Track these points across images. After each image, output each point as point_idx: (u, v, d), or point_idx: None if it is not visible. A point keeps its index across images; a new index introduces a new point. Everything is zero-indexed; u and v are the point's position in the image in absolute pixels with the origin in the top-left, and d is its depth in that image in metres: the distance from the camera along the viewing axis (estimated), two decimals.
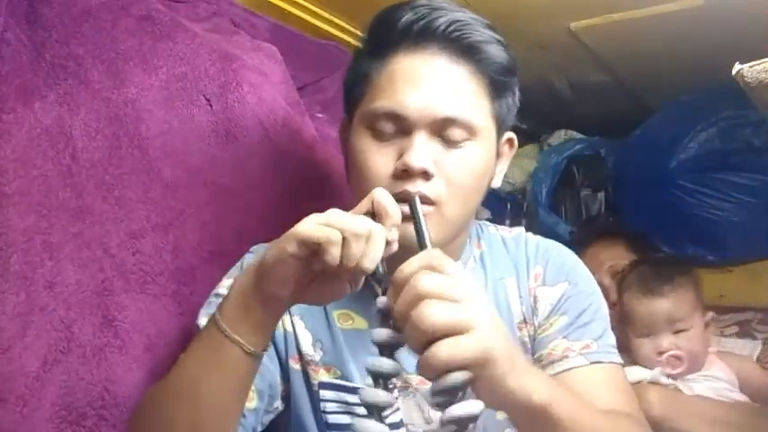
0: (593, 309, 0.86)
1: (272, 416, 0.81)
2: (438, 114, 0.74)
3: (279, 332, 0.81)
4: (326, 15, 1.29)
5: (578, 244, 1.49)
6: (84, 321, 0.79)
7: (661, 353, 1.24)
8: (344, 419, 0.80)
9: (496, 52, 0.77)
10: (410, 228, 0.67)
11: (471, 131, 0.76)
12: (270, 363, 0.79)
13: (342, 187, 1.10)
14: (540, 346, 0.84)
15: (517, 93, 0.83)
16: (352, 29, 1.35)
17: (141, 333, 0.84)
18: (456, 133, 0.75)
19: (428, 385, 0.79)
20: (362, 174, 0.76)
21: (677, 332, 1.25)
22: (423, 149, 0.73)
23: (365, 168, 0.76)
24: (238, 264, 0.84)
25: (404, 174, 0.73)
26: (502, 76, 0.78)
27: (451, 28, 0.75)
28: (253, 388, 0.76)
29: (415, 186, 0.73)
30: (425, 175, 0.73)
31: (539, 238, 0.92)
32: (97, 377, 0.79)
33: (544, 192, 1.83)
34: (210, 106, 0.95)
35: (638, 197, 1.74)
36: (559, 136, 1.97)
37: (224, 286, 0.80)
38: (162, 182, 0.89)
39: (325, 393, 0.80)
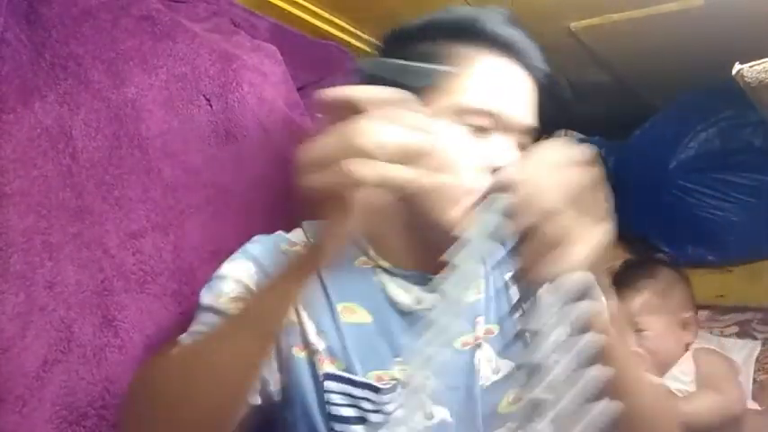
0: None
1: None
2: (527, 122, 0.79)
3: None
4: (326, 15, 1.29)
5: None
6: (85, 321, 0.79)
7: None
8: (349, 412, 0.80)
9: (544, 71, 0.83)
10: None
11: (529, 142, 0.81)
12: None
13: None
14: None
15: None
16: (352, 29, 1.35)
17: (141, 333, 0.84)
18: (526, 141, 0.80)
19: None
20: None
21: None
22: (511, 151, 0.78)
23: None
24: (240, 252, 0.82)
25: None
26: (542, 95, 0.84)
27: (527, 44, 0.80)
28: None
29: None
30: None
31: None
32: (98, 377, 0.79)
33: None
34: (210, 106, 0.96)
35: (638, 197, 1.74)
36: (559, 136, 1.96)
37: (227, 270, 0.80)
38: (162, 182, 0.89)
39: (329, 384, 0.80)
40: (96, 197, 0.82)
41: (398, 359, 0.80)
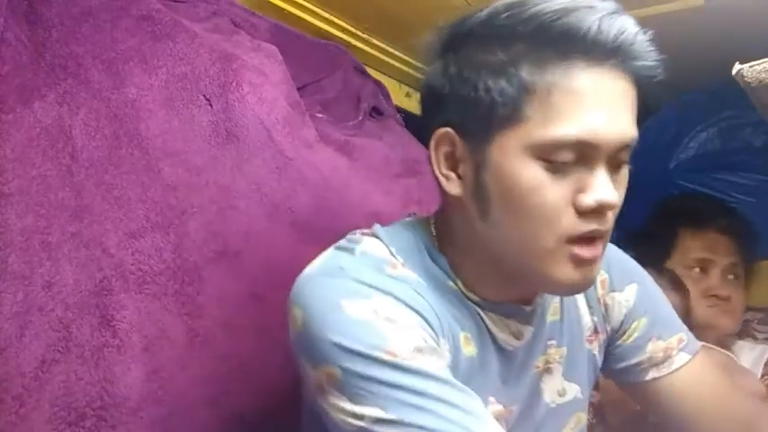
0: (665, 301, 0.88)
1: None
2: (623, 141, 0.64)
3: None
4: (326, 15, 1.29)
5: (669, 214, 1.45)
6: (83, 321, 0.79)
7: None
8: None
9: (658, 68, 0.68)
10: (582, 276, 0.65)
11: (630, 153, 0.68)
12: None
13: (341, 187, 1.09)
14: (632, 353, 0.85)
15: None
16: (352, 29, 1.35)
17: (140, 333, 0.84)
18: (624, 157, 0.67)
19: None
20: (535, 214, 0.64)
21: None
22: (609, 181, 0.64)
23: (540, 208, 0.63)
24: (348, 280, 0.66)
25: (593, 211, 0.63)
26: (651, 89, 0.69)
27: (631, 41, 0.64)
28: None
29: (605, 223, 0.65)
30: (610, 209, 0.65)
31: None
32: (96, 377, 0.79)
33: None
34: (211, 106, 0.95)
35: (638, 197, 1.73)
36: None
37: (364, 313, 0.63)
38: (162, 181, 0.89)
39: None
40: (95, 197, 0.82)
41: (492, 398, 0.73)
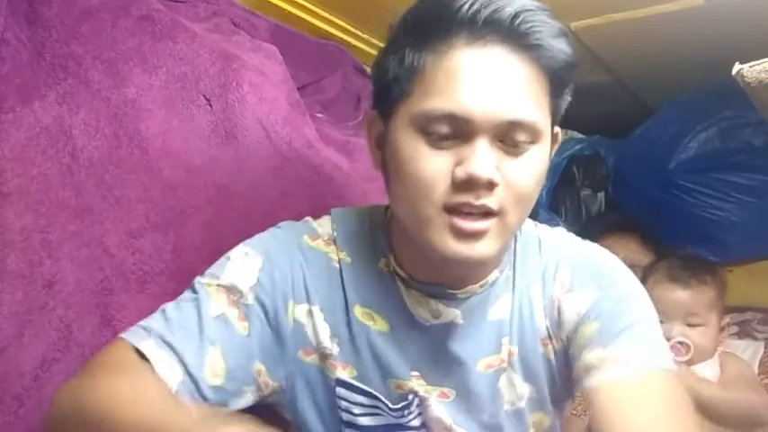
0: (627, 318, 0.75)
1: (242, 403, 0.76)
2: (504, 117, 0.66)
3: (287, 325, 0.76)
4: (326, 15, 1.29)
5: (589, 236, 1.47)
6: (84, 321, 0.79)
7: (669, 339, 1.25)
8: (361, 421, 0.78)
9: (562, 46, 0.69)
10: (466, 248, 0.67)
11: (535, 134, 0.68)
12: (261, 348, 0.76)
13: (341, 187, 1.10)
14: (574, 358, 0.76)
15: (572, 86, 0.74)
16: (352, 29, 1.35)
17: None
18: (520, 137, 0.67)
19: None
20: (414, 183, 0.68)
21: (691, 325, 1.28)
22: (487, 157, 0.66)
23: (418, 177, 0.67)
24: (261, 239, 0.80)
25: (465, 184, 0.66)
26: (565, 72, 0.70)
27: (519, 19, 0.66)
28: (222, 366, 0.72)
29: (479, 197, 0.66)
30: (490, 185, 0.66)
31: (577, 240, 0.85)
32: None
33: (544, 192, 1.84)
34: (210, 106, 0.96)
35: (638, 197, 1.74)
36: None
37: (237, 255, 0.78)
38: (162, 181, 0.89)
39: (340, 391, 0.77)
40: (96, 196, 0.82)
41: (415, 373, 0.77)
